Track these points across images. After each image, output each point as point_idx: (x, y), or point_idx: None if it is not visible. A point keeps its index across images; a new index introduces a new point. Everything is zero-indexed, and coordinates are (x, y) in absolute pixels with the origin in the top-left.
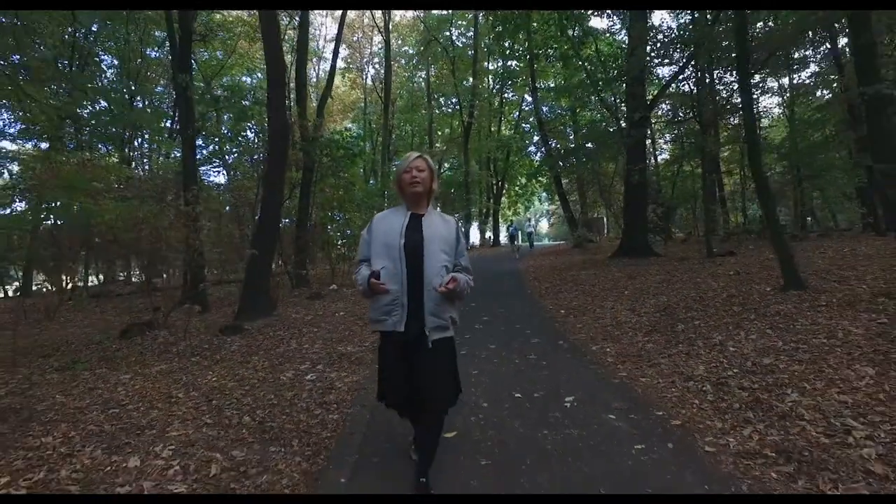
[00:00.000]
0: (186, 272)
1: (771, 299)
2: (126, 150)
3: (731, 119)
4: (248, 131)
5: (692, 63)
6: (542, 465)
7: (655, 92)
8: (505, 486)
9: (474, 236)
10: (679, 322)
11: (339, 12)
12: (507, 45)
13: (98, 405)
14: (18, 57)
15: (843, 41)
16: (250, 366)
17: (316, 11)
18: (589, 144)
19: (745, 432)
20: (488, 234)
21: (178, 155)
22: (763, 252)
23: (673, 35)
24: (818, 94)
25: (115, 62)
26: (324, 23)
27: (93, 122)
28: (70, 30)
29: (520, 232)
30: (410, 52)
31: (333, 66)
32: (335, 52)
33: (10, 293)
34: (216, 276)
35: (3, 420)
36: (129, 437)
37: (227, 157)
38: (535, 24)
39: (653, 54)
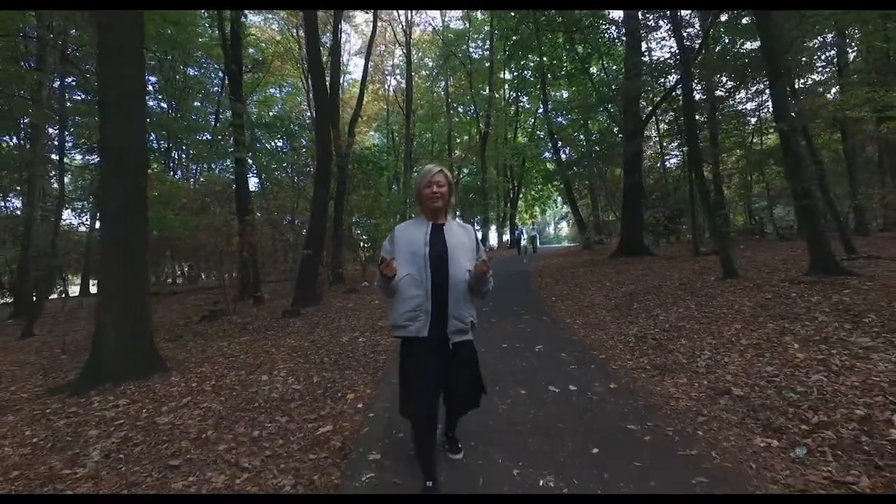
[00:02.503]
0: (248, 270)
1: (708, 286)
2: (165, 162)
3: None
4: (284, 146)
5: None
6: (512, 377)
7: (656, 101)
8: (491, 384)
9: (493, 239)
10: (636, 303)
11: (365, 28)
12: (519, 62)
13: (218, 357)
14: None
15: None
16: (315, 335)
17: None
18: (596, 148)
19: (640, 360)
20: (505, 237)
21: (217, 168)
22: (744, 251)
23: (662, 65)
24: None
25: (155, 79)
26: (348, 39)
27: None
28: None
29: (525, 236)
30: (430, 64)
31: (362, 91)
32: (363, 78)
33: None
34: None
35: (169, 360)
36: (252, 368)
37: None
38: (545, 40)
39: (648, 78)
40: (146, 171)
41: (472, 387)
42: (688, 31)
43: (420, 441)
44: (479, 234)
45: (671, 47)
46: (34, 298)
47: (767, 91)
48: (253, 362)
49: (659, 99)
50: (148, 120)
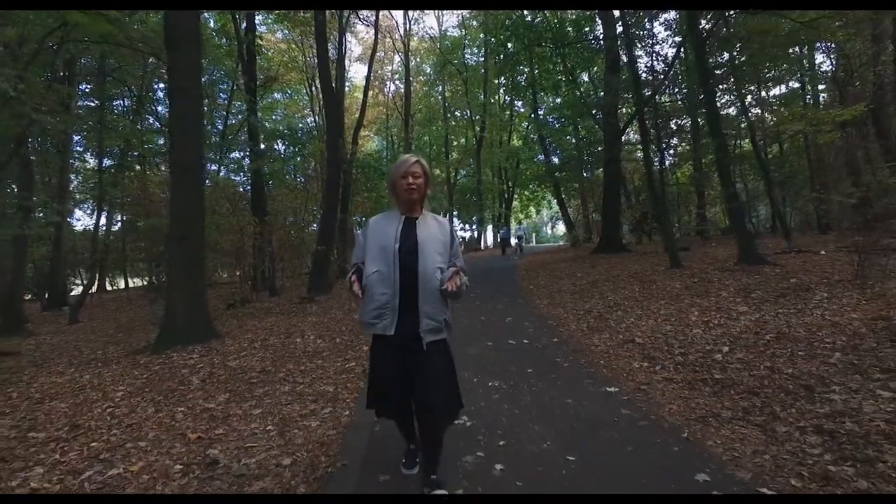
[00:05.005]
0: (266, 264)
1: (655, 274)
2: None
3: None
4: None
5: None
6: (484, 335)
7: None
8: (467, 340)
9: (489, 238)
10: (595, 288)
11: (366, 35)
12: (513, 71)
13: (256, 329)
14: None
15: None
16: (330, 315)
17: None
18: (576, 153)
19: (581, 325)
20: (511, 236)
21: (223, 171)
22: (710, 247)
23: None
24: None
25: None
26: (349, 47)
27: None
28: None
29: (511, 236)
30: (428, 70)
31: (364, 101)
32: (366, 90)
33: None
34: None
35: (218, 330)
36: (287, 335)
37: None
38: (535, 53)
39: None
40: (203, 182)
41: (447, 394)
42: (659, 45)
43: (397, 423)
44: (474, 232)
45: (647, 63)
46: (89, 288)
47: (749, 97)
48: (286, 331)
49: (631, 115)
50: (166, 128)
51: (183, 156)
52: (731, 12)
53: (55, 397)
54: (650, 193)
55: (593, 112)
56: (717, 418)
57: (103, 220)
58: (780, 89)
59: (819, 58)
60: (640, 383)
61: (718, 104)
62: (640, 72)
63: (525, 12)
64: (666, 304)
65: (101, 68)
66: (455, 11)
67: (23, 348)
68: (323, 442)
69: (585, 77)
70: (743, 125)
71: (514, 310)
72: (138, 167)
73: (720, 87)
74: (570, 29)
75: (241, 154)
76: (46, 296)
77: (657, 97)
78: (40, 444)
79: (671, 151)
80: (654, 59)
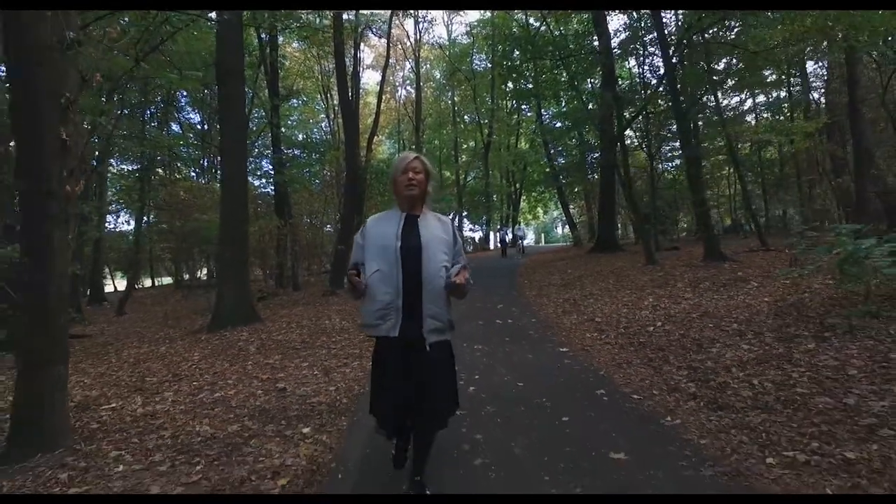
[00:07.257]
0: (290, 262)
1: (631, 270)
2: (193, 168)
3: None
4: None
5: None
6: (477, 318)
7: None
8: (461, 320)
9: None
10: (578, 281)
11: (378, 44)
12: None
13: (290, 315)
14: None
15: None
16: (351, 304)
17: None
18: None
19: (558, 310)
20: (508, 236)
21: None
22: (695, 246)
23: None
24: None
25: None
26: (361, 56)
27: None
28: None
29: (510, 236)
30: (438, 76)
31: (378, 112)
32: (378, 102)
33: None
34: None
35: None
36: (317, 319)
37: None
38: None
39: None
40: (247, 191)
41: (445, 396)
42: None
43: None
44: (482, 232)
45: (640, 74)
46: (133, 284)
47: (749, 101)
48: (315, 316)
49: (625, 123)
50: (191, 135)
51: (231, 171)
52: (707, 34)
53: (146, 361)
54: (629, 203)
55: (594, 119)
56: (629, 364)
57: (133, 222)
58: (774, 94)
59: (811, 65)
60: (586, 346)
61: (710, 109)
62: (633, 80)
63: (532, 22)
64: (630, 293)
65: (145, 93)
66: (463, 22)
67: (89, 332)
68: (355, 379)
69: (589, 84)
70: (722, 142)
71: (507, 299)
72: (160, 171)
73: (703, 97)
74: (571, 35)
75: (260, 160)
76: (87, 292)
77: (651, 104)
78: (157, 384)
79: (671, 154)
80: (643, 70)
